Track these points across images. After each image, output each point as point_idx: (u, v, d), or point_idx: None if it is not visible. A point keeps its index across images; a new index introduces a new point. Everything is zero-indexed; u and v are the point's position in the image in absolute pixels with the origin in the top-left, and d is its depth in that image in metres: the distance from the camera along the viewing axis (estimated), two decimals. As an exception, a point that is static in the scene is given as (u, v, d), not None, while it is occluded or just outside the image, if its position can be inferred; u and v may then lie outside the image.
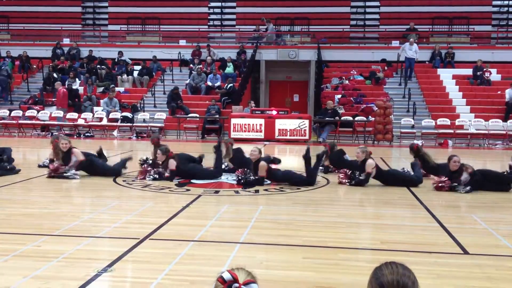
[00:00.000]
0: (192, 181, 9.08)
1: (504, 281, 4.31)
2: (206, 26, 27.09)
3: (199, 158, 10.32)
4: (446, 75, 22.12)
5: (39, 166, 10.33)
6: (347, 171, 9.03)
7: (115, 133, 19.42)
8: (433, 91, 21.40)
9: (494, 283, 4.24)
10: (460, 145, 18.22)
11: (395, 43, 23.71)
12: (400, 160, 13.18)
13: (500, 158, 14.30)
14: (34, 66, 24.23)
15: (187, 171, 9.31)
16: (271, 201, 7.68)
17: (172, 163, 9.02)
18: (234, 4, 27.34)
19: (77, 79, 22.64)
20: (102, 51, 24.72)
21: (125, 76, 22.89)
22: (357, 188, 8.73)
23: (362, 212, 7.24)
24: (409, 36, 23.09)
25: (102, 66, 23.34)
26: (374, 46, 24.51)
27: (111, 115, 20.03)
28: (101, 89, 22.05)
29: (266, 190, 8.45)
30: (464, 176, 8.35)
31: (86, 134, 19.08)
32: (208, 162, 10.27)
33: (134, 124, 19.82)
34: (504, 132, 18.43)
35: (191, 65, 23.16)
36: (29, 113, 20.43)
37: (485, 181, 8.46)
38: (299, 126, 18.07)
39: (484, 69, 21.41)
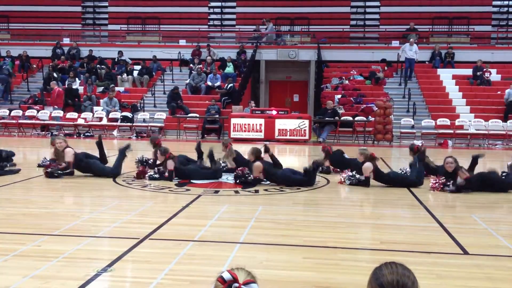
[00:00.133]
0: (192, 181, 9.08)
1: (504, 282, 4.31)
2: (206, 26, 27.09)
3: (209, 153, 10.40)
4: (446, 75, 22.13)
5: (39, 165, 10.33)
6: (348, 171, 9.04)
7: (115, 132, 19.42)
8: (433, 91, 21.40)
9: (494, 283, 4.24)
10: (460, 145, 18.22)
11: (395, 43, 23.71)
12: (400, 160, 13.18)
13: (500, 158, 14.30)
14: (34, 66, 24.23)
15: (186, 172, 9.29)
16: (271, 201, 7.68)
17: (171, 164, 9.01)
18: (234, 4, 27.34)
19: (77, 79, 22.65)
20: (102, 50, 24.72)
21: (125, 75, 22.89)
22: (357, 188, 8.72)
23: (362, 212, 7.25)
24: (409, 36, 23.09)
25: (102, 66, 23.35)
26: (374, 46, 24.51)
27: (111, 115, 20.03)
28: (101, 88, 22.05)
29: (266, 190, 8.45)
30: (459, 181, 8.34)
31: (86, 134, 19.08)
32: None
33: (134, 124, 19.83)
34: (504, 132, 18.43)
35: (191, 65, 23.16)
36: (29, 112, 20.43)
37: (484, 185, 8.43)
38: (299, 126, 18.07)
39: (484, 69, 21.42)
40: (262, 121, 18.12)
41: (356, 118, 19.00)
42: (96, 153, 9.86)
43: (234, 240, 5.34)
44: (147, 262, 4.60)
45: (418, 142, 16.25)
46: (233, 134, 17.82)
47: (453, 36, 25.03)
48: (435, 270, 4.48)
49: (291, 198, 7.89)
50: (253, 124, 18.11)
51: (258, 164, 8.72)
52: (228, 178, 9.47)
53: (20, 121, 19.92)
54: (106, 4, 28.02)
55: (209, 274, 4.02)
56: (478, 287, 4.18)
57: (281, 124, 18.12)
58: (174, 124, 19.58)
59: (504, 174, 9.18)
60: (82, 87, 22.13)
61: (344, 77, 22.41)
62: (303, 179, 8.76)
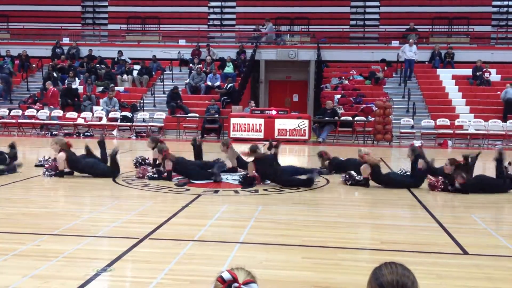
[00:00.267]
0: (192, 180, 9.07)
1: (503, 282, 4.31)
2: (206, 26, 27.08)
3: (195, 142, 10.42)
4: (445, 75, 22.12)
5: (36, 165, 10.33)
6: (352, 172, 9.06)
7: (114, 132, 19.41)
8: (432, 91, 21.40)
9: (493, 283, 4.24)
10: (460, 145, 18.22)
11: (395, 43, 23.72)
12: (400, 160, 13.17)
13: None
14: (34, 65, 24.21)
15: (185, 171, 9.26)
16: (271, 201, 7.68)
17: (169, 164, 9.01)
18: (234, 3, 27.33)
19: (76, 79, 22.64)
20: (102, 50, 24.70)
21: (124, 75, 22.88)
22: (357, 188, 8.72)
23: (361, 212, 7.24)
24: (408, 36, 23.10)
25: (102, 66, 23.34)
26: (374, 46, 24.51)
27: (111, 115, 20.03)
28: (100, 88, 22.04)
29: (265, 190, 8.45)
30: (456, 185, 8.35)
31: (86, 134, 19.07)
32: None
33: (133, 124, 19.83)
34: (504, 132, 18.43)
35: (191, 65, 23.15)
36: (28, 112, 20.43)
37: (483, 187, 8.41)
38: (298, 126, 18.07)
39: (484, 70, 21.41)
40: (261, 121, 18.12)
41: (356, 118, 18.99)
42: (96, 152, 9.85)
43: (234, 240, 5.34)
44: (146, 262, 4.60)
45: (417, 142, 16.31)
46: (233, 134, 17.81)
47: (453, 36, 25.03)
48: (435, 270, 4.48)
49: (291, 198, 7.89)
50: (252, 124, 18.11)
51: (250, 164, 8.78)
52: (227, 178, 9.47)
53: (19, 120, 19.92)
54: (106, 3, 28.01)
55: (209, 274, 4.01)
56: (478, 287, 4.18)
57: (280, 124, 18.12)
58: (173, 124, 19.58)
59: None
60: (82, 86, 22.12)
61: (343, 77, 22.40)
62: (303, 181, 8.73)
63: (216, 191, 8.29)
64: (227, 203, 7.45)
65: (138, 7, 27.03)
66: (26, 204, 7.12)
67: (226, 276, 1.91)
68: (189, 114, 19.98)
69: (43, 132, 19.53)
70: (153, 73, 23.28)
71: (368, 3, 26.72)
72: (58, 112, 20.14)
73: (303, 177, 8.82)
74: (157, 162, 9.63)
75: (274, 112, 18.48)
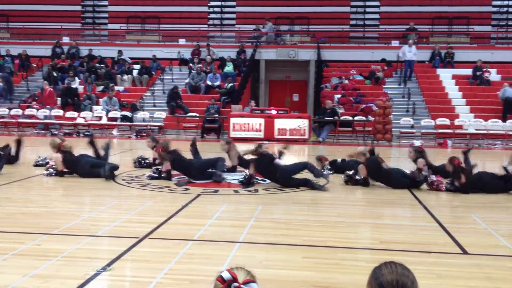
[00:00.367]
0: (192, 180, 9.05)
1: (503, 281, 4.31)
2: (206, 25, 27.08)
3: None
4: (445, 75, 22.12)
5: (34, 165, 10.33)
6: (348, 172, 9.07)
7: (114, 132, 19.41)
8: (432, 91, 21.40)
9: (493, 283, 4.24)
10: (460, 145, 18.20)
11: (395, 43, 23.71)
12: (400, 160, 13.17)
13: (500, 158, 14.30)
14: (34, 65, 24.20)
15: (185, 171, 9.24)
16: (270, 201, 7.68)
17: (167, 164, 9.01)
18: (234, 3, 27.33)
19: (76, 78, 22.63)
20: (102, 50, 24.70)
21: (125, 75, 22.87)
22: (357, 188, 8.73)
23: (361, 212, 7.24)
24: (408, 36, 23.09)
25: (102, 65, 23.34)
26: (374, 46, 24.50)
27: (111, 114, 20.03)
28: (100, 88, 22.03)
29: (265, 189, 8.45)
30: (457, 184, 8.36)
31: (86, 133, 19.07)
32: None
33: (133, 123, 19.83)
34: (504, 132, 18.43)
35: (191, 64, 23.15)
36: (28, 111, 20.43)
37: (482, 185, 8.41)
38: (298, 126, 18.07)
39: (484, 69, 21.41)
40: (261, 120, 18.11)
41: (356, 118, 19.00)
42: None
43: (234, 239, 5.34)
44: (146, 261, 4.60)
45: (417, 142, 16.30)
46: (233, 134, 17.80)
47: (453, 36, 25.02)
48: (434, 270, 4.48)
49: (290, 198, 7.88)
50: (252, 124, 18.11)
51: (251, 163, 8.81)
52: (227, 178, 9.45)
53: (19, 120, 19.91)
54: (106, 3, 28.00)
55: (209, 274, 4.01)
56: (478, 286, 4.18)
57: (280, 123, 18.12)
58: (173, 124, 19.58)
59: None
60: (82, 86, 22.12)
61: (343, 77, 22.40)
62: (303, 181, 8.72)
63: (216, 191, 8.29)
64: (226, 202, 7.45)
65: (138, 7, 27.02)
66: (26, 203, 7.12)
67: (226, 275, 1.91)
68: (189, 114, 19.98)
69: (43, 131, 19.52)
70: (153, 72, 23.28)
71: (368, 3, 26.72)
72: (57, 112, 20.12)
73: (303, 176, 8.82)
74: (156, 162, 9.64)
75: (274, 112, 18.48)
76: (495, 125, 18.72)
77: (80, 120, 19.81)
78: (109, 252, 4.85)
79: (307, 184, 8.57)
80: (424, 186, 8.69)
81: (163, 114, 20.24)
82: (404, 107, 20.40)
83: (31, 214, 6.43)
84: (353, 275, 4.34)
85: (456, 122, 18.93)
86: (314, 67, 23.41)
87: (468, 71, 21.78)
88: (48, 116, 20.03)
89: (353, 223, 6.37)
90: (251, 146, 9.41)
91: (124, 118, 19.94)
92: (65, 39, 25.54)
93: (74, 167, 9.21)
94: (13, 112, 20.36)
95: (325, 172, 9.64)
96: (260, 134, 17.97)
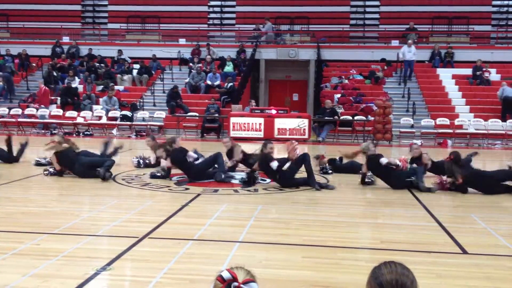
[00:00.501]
0: (192, 180, 9.04)
1: (503, 281, 4.31)
2: (206, 25, 27.07)
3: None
4: (445, 75, 22.12)
5: (35, 164, 10.34)
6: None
7: (114, 131, 19.41)
8: (432, 91, 21.39)
9: (493, 283, 4.24)
10: (460, 144, 18.20)
11: (395, 42, 23.70)
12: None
13: (499, 158, 14.30)
14: (34, 64, 24.19)
15: (185, 170, 9.24)
16: (270, 200, 7.68)
17: (167, 162, 9.02)
18: (234, 3, 27.32)
19: (76, 78, 22.62)
20: (102, 49, 24.69)
21: (124, 75, 22.86)
22: (357, 188, 8.74)
23: (361, 211, 7.24)
24: (408, 36, 23.08)
25: (102, 65, 23.33)
26: (374, 46, 24.50)
27: (111, 114, 20.02)
28: (100, 87, 22.03)
29: (265, 189, 8.45)
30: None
31: (85, 133, 19.07)
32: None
33: (133, 123, 19.82)
34: (503, 132, 18.43)
35: (191, 64, 23.14)
36: (28, 111, 20.42)
37: (478, 182, 8.41)
38: (298, 126, 18.06)
39: (484, 69, 21.41)
40: (261, 120, 18.11)
41: (356, 118, 18.99)
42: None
43: (234, 239, 5.34)
44: (146, 261, 4.60)
45: (417, 142, 16.30)
46: (233, 133, 17.79)
47: (453, 35, 25.01)
48: (434, 270, 4.48)
49: (290, 198, 7.88)
50: (252, 123, 18.11)
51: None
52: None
53: (19, 119, 19.91)
54: (106, 2, 27.99)
55: (209, 273, 4.01)
56: (478, 286, 4.18)
57: (280, 123, 18.11)
58: (173, 123, 19.57)
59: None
60: (82, 85, 22.11)
61: (343, 77, 22.39)
62: (303, 181, 8.69)
63: (216, 191, 8.28)
64: (226, 202, 7.45)
65: (138, 6, 27.01)
66: (25, 203, 7.13)
67: (226, 275, 1.91)
68: (189, 113, 19.98)
69: (43, 131, 19.52)
70: (153, 72, 23.27)
71: (368, 3, 26.71)
72: (57, 111, 20.11)
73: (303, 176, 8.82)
74: (160, 162, 9.69)
75: (274, 112, 18.47)
76: (495, 125, 18.71)
77: (80, 120, 19.81)
78: (109, 251, 4.85)
79: (308, 183, 8.58)
80: (431, 184, 8.58)
81: (163, 114, 20.24)
82: (404, 107, 20.39)
83: (31, 213, 6.43)
84: (353, 274, 4.34)
85: (456, 122, 18.93)
86: (314, 66, 23.41)
87: (468, 71, 21.78)
88: (44, 116, 20.00)
89: (353, 223, 6.37)
90: (257, 146, 9.39)
91: (124, 117, 19.94)
92: (65, 39, 25.53)
93: (71, 166, 9.21)
94: (13, 111, 20.35)
95: (328, 171, 9.77)
96: (260, 134, 17.96)
